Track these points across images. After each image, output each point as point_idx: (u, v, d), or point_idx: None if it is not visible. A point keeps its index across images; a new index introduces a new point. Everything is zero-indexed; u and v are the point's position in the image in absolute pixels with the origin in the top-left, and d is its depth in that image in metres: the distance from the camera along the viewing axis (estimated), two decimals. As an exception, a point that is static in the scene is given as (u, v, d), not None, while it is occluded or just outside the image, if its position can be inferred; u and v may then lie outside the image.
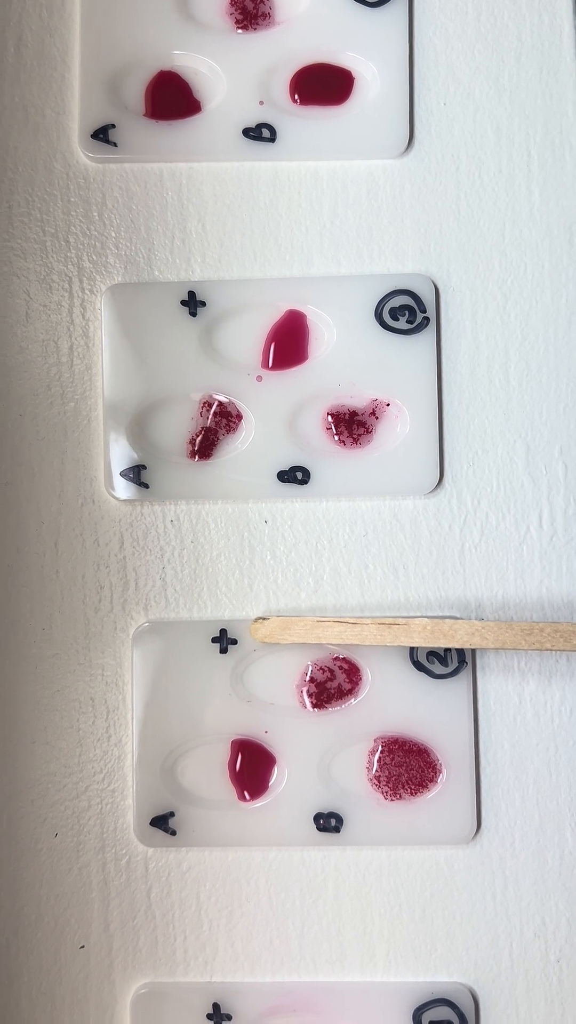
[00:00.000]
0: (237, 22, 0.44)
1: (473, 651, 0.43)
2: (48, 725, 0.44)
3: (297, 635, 0.42)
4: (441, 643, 0.41)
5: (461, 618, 0.43)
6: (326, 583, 0.44)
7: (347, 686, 0.43)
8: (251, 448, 0.44)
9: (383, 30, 0.44)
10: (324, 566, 0.44)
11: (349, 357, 0.44)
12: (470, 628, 0.41)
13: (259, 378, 0.44)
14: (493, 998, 0.42)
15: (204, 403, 0.44)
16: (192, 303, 0.44)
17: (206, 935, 0.43)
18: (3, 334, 0.44)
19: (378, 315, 0.44)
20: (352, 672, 0.43)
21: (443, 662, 0.43)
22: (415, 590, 0.44)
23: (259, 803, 0.43)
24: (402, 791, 0.43)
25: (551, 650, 0.41)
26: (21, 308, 0.44)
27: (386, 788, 0.43)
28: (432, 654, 0.43)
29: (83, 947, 0.43)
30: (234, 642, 0.43)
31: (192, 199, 0.45)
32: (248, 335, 0.44)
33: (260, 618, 0.42)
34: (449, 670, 0.43)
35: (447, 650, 0.43)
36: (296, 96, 0.44)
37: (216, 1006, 0.42)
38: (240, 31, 0.44)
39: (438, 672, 0.43)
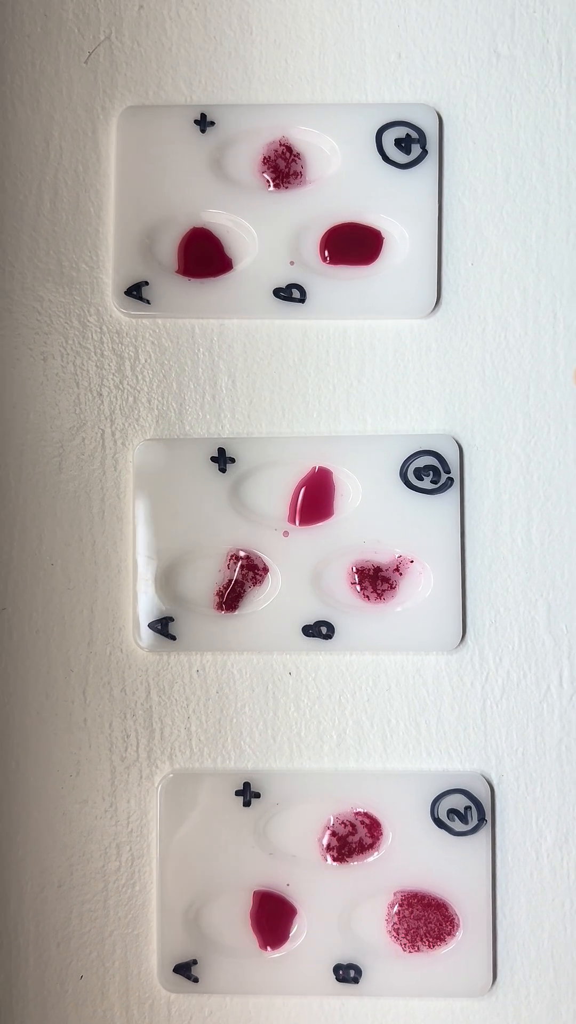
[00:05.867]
0: (269, 181, 0.45)
1: (493, 808, 0.44)
2: (75, 869, 0.45)
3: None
4: None
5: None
6: (349, 736, 0.45)
7: (368, 841, 0.44)
8: (277, 601, 0.44)
9: (412, 190, 0.45)
10: (347, 719, 0.45)
11: (374, 514, 0.44)
12: None
13: (286, 533, 0.45)
14: None
15: (231, 556, 0.45)
16: (222, 459, 0.45)
17: None
18: (36, 484, 0.45)
19: (403, 475, 0.44)
20: (373, 827, 0.44)
21: (463, 819, 0.44)
22: (437, 745, 0.44)
23: (280, 953, 0.44)
24: (420, 944, 0.44)
25: None
26: (54, 459, 0.45)
27: (404, 940, 0.44)
28: (452, 811, 0.44)
29: None
30: (257, 795, 0.44)
31: (223, 355, 0.46)
32: (276, 491, 0.45)
33: None
34: (469, 827, 0.44)
35: (467, 807, 0.44)
36: (326, 255, 0.45)
37: None
38: (272, 190, 0.45)
39: (458, 829, 0.44)
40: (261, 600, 0.45)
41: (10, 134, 0.46)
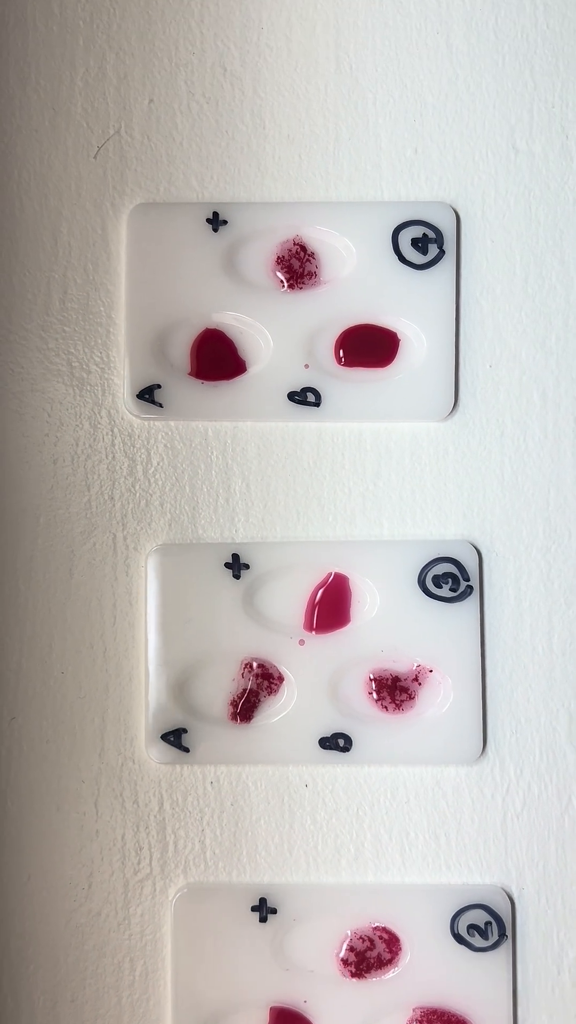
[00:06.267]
0: (283, 281, 0.44)
1: (513, 922, 0.43)
2: (88, 984, 0.44)
3: None
4: None
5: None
6: (367, 849, 0.44)
7: (387, 956, 0.43)
8: (293, 712, 0.44)
9: (429, 291, 0.44)
10: (365, 832, 0.44)
11: (392, 623, 0.44)
12: None
13: (301, 641, 0.44)
14: None
15: (246, 664, 0.44)
16: (236, 565, 0.44)
17: None
18: (46, 590, 0.44)
19: (421, 582, 0.44)
20: (392, 942, 0.43)
21: (483, 935, 0.43)
22: (456, 858, 0.44)
23: (297, 1072, 0.43)
24: (440, 1061, 0.43)
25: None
26: (65, 564, 0.45)
27: (424, 1058, 0.43)
28: (472, 926, 0.43)
29: None
30: (274, 911, 0.43)
31: (237, 458, 0.45)
32: (291, 597, 0.44)
33: None
34: (489, 943, 0.43)
35: (487, 923, 0.43)
36: (342, 357, 0.44)
37: None
38: (286, 290, 0.44)
39: (478, 945, 0.43)
40: (276, 710, 0.44)
41: (18, 230, 0.45)
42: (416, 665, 0.44)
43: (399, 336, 0.44)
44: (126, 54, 0.45)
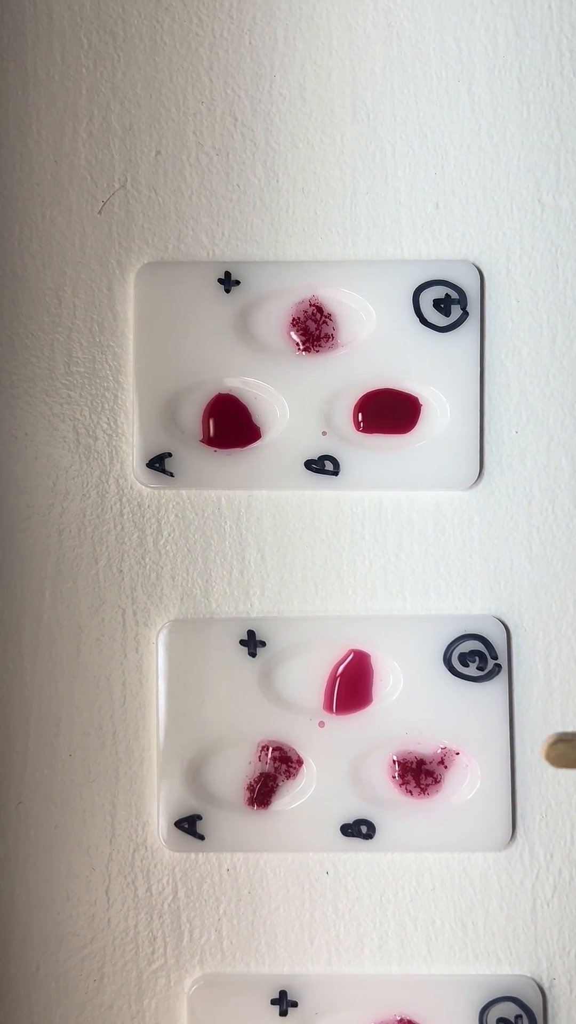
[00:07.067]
0: (299, 344, 0.42)
1: (545, 1016, 0.41)
2: (99, 1081, 0.42)
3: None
4: None
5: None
6: (391, 939, 0.42)
7: (413, 1052, 0.41)
8: (313, 798, 0.42)
9: (452, 355, 0.42)
10: (389, 921, 0.42)
11: (416, 703, 0.42)
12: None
13: (321, 723, 0.42)
14: None
15: (263, 747, 0.42)
16: (251, 642, 0.42)
17: None
18: (53, 668, 0.42)
19: (447, 660, 0.42)
20: (418, 1036, 0.41)
21: (514, 1029, 0.41)
22: (484, 947, 0.42)
23: None
24: None
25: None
26: (72, 641, 0.43)
27: None
28: (502, 1020, 0.41)
29: None
30: (294, 1004, 0.41)
31: (251, 529, 0.43)
32: (309, 677, 0.42)
33: (561, 739, 0.36)
34: (520, 1038, 0.41)
35: (518, 1016, 0.41)
36: (360, 423, 0.42)
37: None
38: (302, 354, 0.42)
39: (509, 1040, 0.41)
40: (295, 796, 0.42)
41: (20, 290, 0.43)
42: (442, 747, 0.42)
43: (421, 401, 0.42)
44: (131, 103, 0.43)
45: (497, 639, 0.42)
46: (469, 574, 0.42)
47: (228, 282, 0.42)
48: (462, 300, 0.42)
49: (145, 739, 0.42)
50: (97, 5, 0.43)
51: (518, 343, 0.43)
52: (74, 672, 0.43)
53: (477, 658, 0.42)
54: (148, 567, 0.43)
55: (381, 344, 0.42)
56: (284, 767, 0.42)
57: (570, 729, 0.42)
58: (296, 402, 0.42)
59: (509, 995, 0.41)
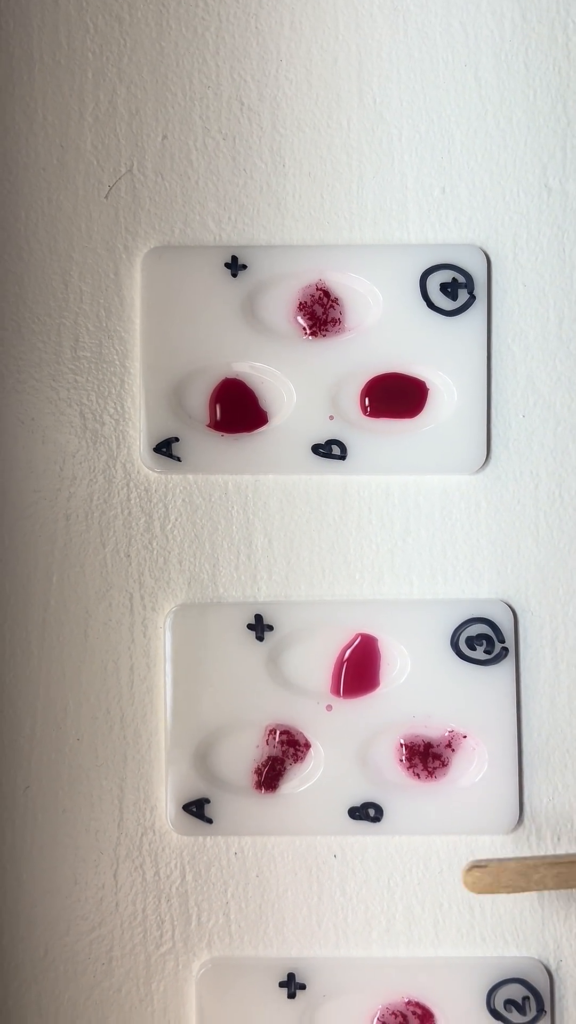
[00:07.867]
0: (306, 328, 0.42)
1: (552, 997, 0.42)
2: (108, 1064, 0.42)
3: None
4: None
5: None
6: (399, 922, 0.42)
7: (421, 1033, 0.41)
8: (320, 781, 0.42)
9: (459, 339, 0.42)
10: (397, 904, 0.42)
11: (424, 686, 0.42)
12: None
13: (329, 706, 0.42)
14: None
15: (270, 731, 0.42)
16: (259, 626, 0.42)
17: None
18: (60, 653, 0.42)
19: (454, 643, 0.42)
20: (426, 1018, 0.42)
21: (521, 1010, 0.41)
22: (491, 929, 0.42)
23: None
24: None
25: None
26: (79, 626, 0.43)
27: None
28: (510, 1001, 0.41)
29: None
30: (303, 987, 0.42)
31: (259, 513, 0.43)
32: (317, 660, 0.42)
33: (476, 866, 0.39)
34: (527, 1020, 0.41)
35: (525, 997, 0.41)
36: (367, 407, 0.42)
37: None
38: (309, 338, 0.42)
39: (516, 1022, 0.41)
40: (303, 779, 0.42)
41: (26, 275, 0.43)
42: (449, 731, 0.42)
43: (428, 385, 0.42)
44: (138, 88, 0.43)
45: (504, 623, 0.42)
46: (476, 558, 0.42)
47: (235, 266, 0.42)
48: (469, 284, 0.42)
49: (153, 723, 0.42)
50: (103, -11, 0.43)
51: (525, 327, 0.43)
52: (81, 657, 0.43)
53: (484, 642, 0.42)
54: (155, 552, 0.43)
55: (388, 328, 0.42)
56: (292, 751, 0.42)
57: (572, 725, 0.42)
58: (303, 386, 0.42)
59: (516, 977, 0.41)
